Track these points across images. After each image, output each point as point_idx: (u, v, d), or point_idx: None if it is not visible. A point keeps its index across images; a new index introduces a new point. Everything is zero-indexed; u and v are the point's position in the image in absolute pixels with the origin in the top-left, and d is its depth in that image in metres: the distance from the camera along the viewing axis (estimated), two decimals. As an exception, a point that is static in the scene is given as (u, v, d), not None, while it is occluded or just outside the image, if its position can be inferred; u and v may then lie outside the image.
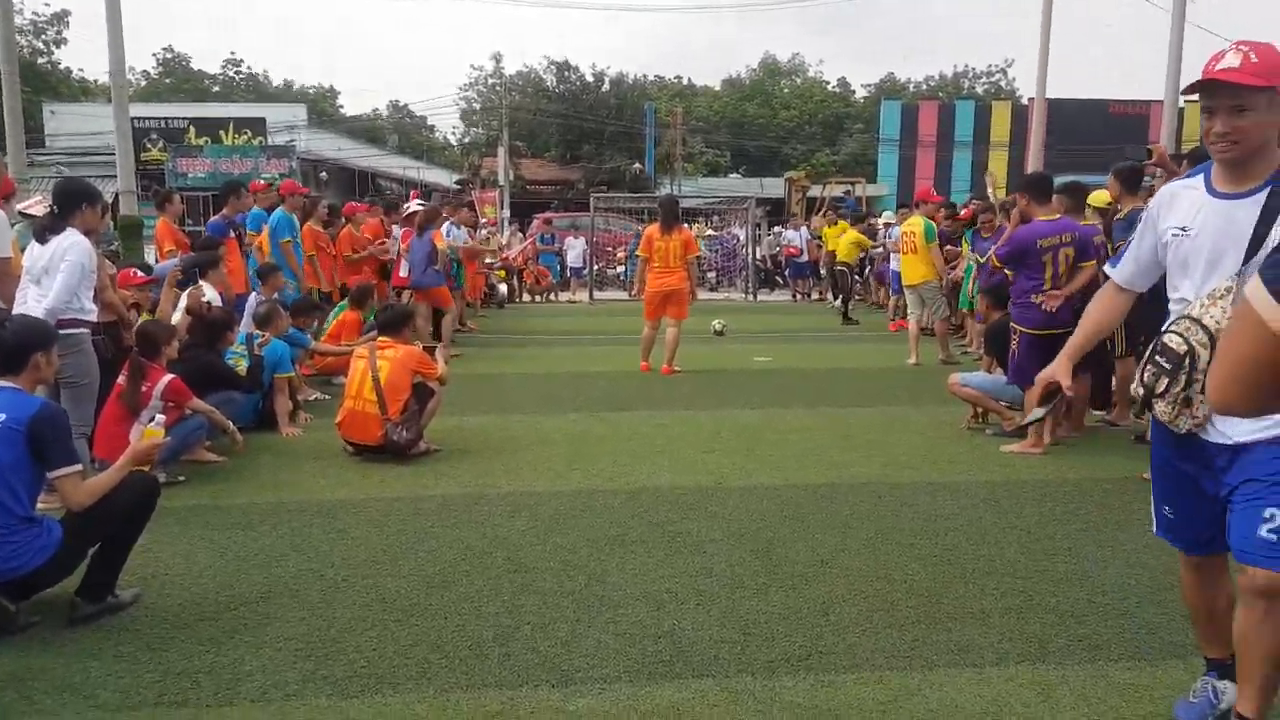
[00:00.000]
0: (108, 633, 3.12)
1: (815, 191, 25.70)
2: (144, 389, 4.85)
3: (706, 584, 3.50)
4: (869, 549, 3.89)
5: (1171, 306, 2.36)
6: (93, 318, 4.69)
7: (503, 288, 16.84)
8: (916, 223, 9.25)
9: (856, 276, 14.63)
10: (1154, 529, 2.57)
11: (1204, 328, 2.12)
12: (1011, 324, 5.64)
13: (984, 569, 3.65)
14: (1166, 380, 2.19)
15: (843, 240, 14.26)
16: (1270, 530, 2.11)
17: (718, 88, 57.45)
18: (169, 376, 4.96)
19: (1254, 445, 2.15)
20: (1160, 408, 2.24)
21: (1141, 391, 2.28)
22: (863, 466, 5.27)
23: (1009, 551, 3.85)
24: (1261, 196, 2.18)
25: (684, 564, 3.72)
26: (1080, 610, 3.24)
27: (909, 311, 9.63)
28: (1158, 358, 2.22)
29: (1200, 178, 2.33)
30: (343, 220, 9.96)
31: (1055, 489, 4.80)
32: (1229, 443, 2.19)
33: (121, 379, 4.89)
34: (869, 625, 3.13)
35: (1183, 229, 2.30)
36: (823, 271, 17.01)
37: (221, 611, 3.30)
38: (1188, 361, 2.14)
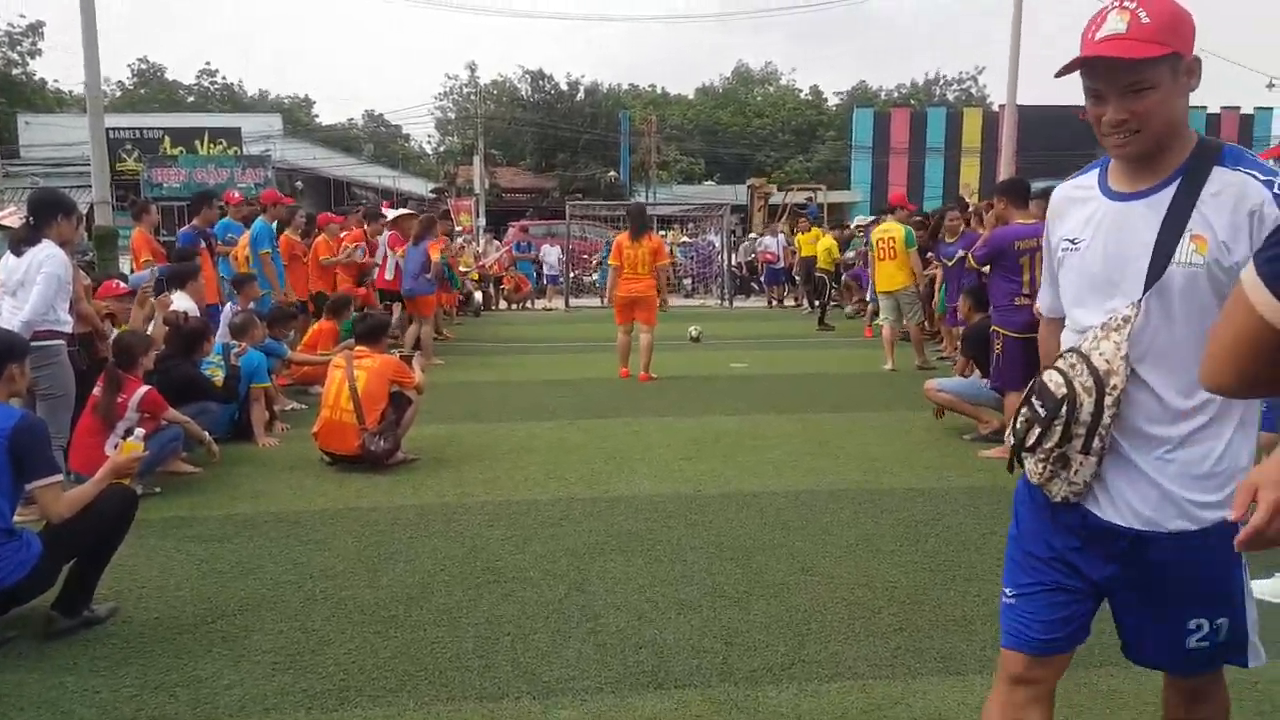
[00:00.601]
0: (84, 647, 3.09)
1: (778, 198, 25.95)
2: (120, 400, 4.81)
3: (687, 593, 3.49)
4: (850, 556, 3.90)
5: (1065, 337, 1.83)
6: (68, 329, 4.64)
7: (478, 295, 16.78)
8: (895, 229, 9.32)
9: (834, 284, 14.72)
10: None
11: (1091, 367, 1.64)
12: (993, 328, 5.69)
13: (966, 575, 3.67)
14: (1039, 430, 1.69)
15: (820, 247, 14.37)
16: (1199, 640, 1.73)
17: (691, 96, 57.79)
18: (145, 388, 4.91)
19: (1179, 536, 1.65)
20: (1030, 465, 1.76)
21: (1011, 440, 1.79)
22: (842, 473, 5.29)
23: (990, 557, 3.87)
24: (1166, 194, 1.64)
25: (664, 573, 3.71)
26: (1060, 614, 3.27)
27: (884, 317, 9.70)
28: (1033, 400, 1.72)
29: (1095, 174, 1.80)
30: (317, 230, 9.89)
31: (1032, 493, 4.84)
32: (1135, 528, 1.68)
33: (97, 390, 4.83)
34: (851, 633, 3.14)
35: (1072, 241, 1.78)
36: (797, 277, 17.11)
37: (199, 624, 3.27)
38: (1065, 409, 1.65)
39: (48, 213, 4.63)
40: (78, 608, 3.22)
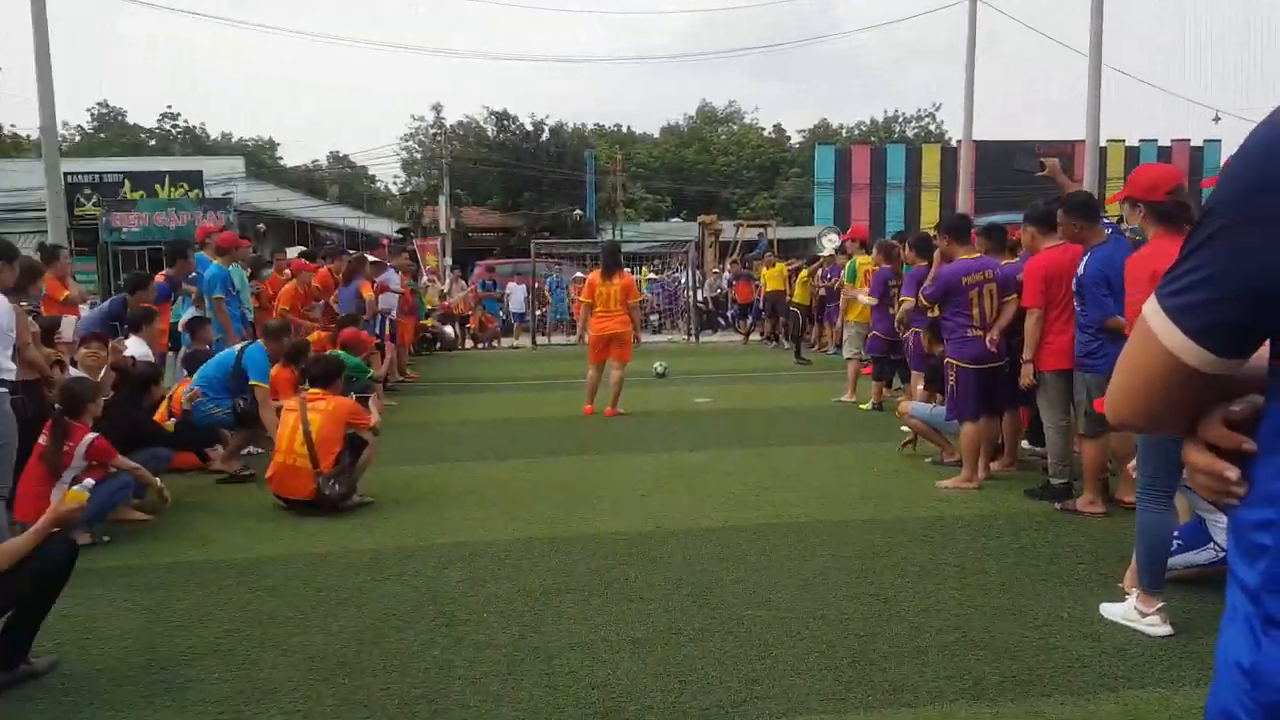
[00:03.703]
0: (20, 703, 3.01)
1: (729, 234, 26.25)
2: (67, 448, 4.71)
3: (643, 631, 3.47)
4: (806, 590, 3.91)
5: None
6: (10, 376, 4.54)
7: (448, 329, 16.75)
8: (870, 261, 9.44)
9: (809, 318, 14.77)
10: None
11: None
12: (947, 359, 5.79)
13: (919, 606, 3.69)
14: None
15: (798, 281, 14.40)
16: None
17: (657, 135, 58.63)
18: (92, 435, 4.82)
19: None
20: None
21: None
22: (801, 506, 5.32)
23: (944, 588, 3.90)
24: None
25: (620, 611, 3.69)
26: (1014, 646, 3.29)
27: (848, 348, 9.79)
28: None
29: None
30: (287, 274, 9.80)
31: (989, 524, 4.90)
32: None
33: (43, 438, 4.73)
34: (805, 667, 3.14)
35: None
36: (763, 312, 17.27)
37: (142, 674, 3.20)
38: None
39: (-13, 259, 4.56)
40: (14, 660, 3.14)
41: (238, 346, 6.52)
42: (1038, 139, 33.86)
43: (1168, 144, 35.20)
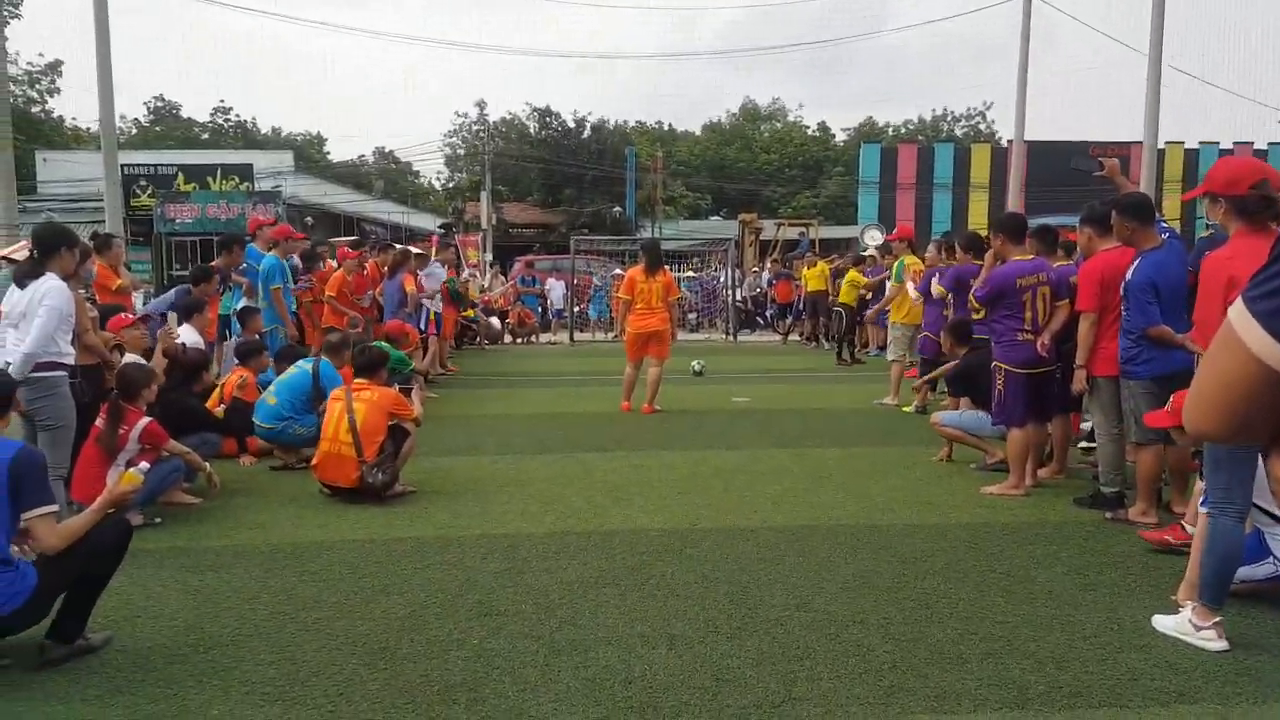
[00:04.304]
0: (76, 676, 3.10)
1: (770, 233, 25.99)
2: (122, 432, 4.84)
3: (679, 628, 3.46)
4: (846, 593, 3.87)
5: None
6: (70, 361, 4.68)
7: (495, 321, 16.93)
8: (920, 262, 9.31)
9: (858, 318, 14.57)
10: None
11: None
12: (995, 363, 5.67)
13: (963, 613, 3.62)
14: None
15: (845, 281, 14.20)
16: None
17: (698, 132, 58.39)
18: (146, 419, 4.95)
19: None
20: None
21: None
22: (840, 508, 5.26)
23: (989, 595, 3.83)
24: None
25: (657, 607, 3.68)
26: (1061, 655, 3.21)
27: (893, 349, 9.67)
28: None
29: None
30: (336, 264, 9.95)
31: (1036, 531, 4.79)
32: None
33: (99, 422, 4.86)
34: (844, 671, 3.10)
35: None
36: (803, 312, 17.11)
37: (191, 654, 3.27)
38: None
39: (51, 246, 4.70)
40: (72, 636, 3.23)
41: (309, 366, 6.57)
42: (1092, 140, 33.09)
43: (1229, 146, 34.11)
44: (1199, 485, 3.96)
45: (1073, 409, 6.16)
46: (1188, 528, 4.32)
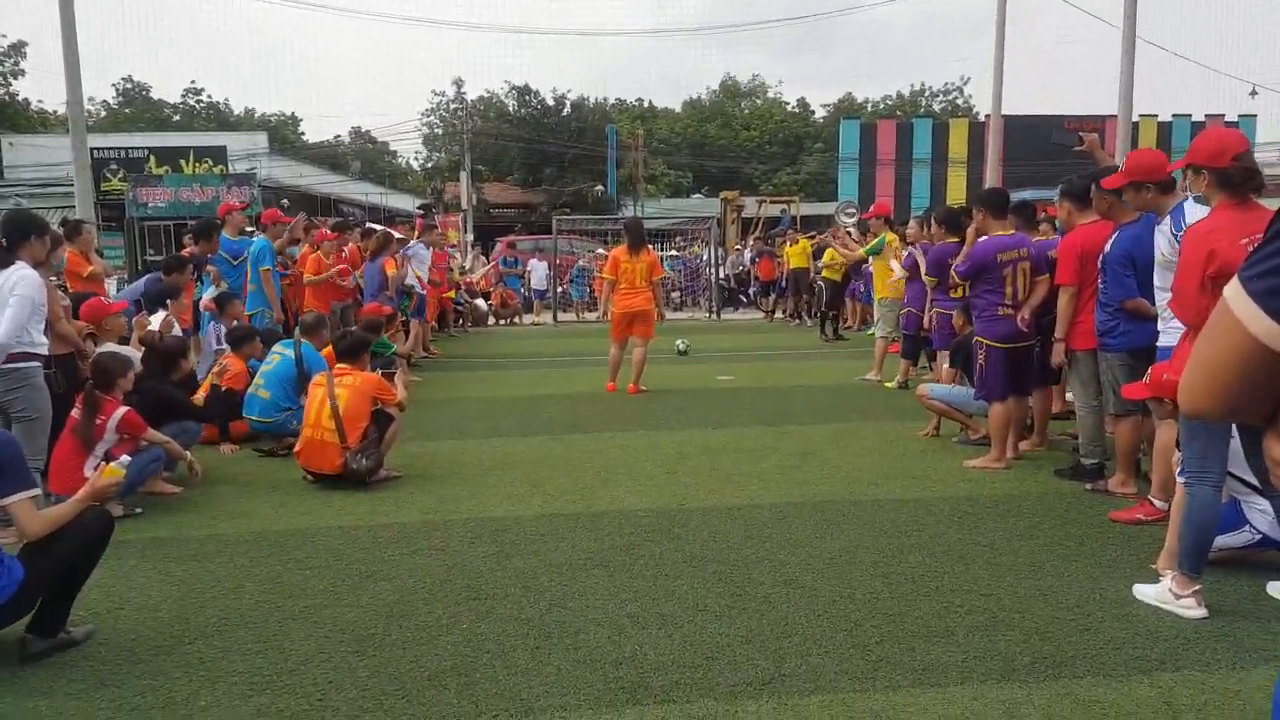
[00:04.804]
0: (60, 670, 3.07)
1: (752, 210, 25.94)
2: (99, 422, 4.77)
3: (668, 608, 3.47)
4: (833, 568, 3.89)
5: None
6: (44, 351, 4.60)
7: (481, 303, 16.86)
8: (898, 239, 9.32)
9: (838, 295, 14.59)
10: None
11: None
12: (976, 338, 5.70)
13: (949, 586, 3.66)
14: None
15: (826, 255, 14.22)
16: None
17: (678, 110, 58.03)
18: (123, 409, 4.88)
19: None
20: None
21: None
22: (826, 484, 5.29)
23: (974, 568, 3.87)
24: None
25: (646, 588, 3.69)
26: (1045, 627, 3.25)
27: (880, 326, 9.69)
28: None
29: None
30: (313, 246, 9.84)
31: (1019, 504, 4.84)
32: None
33: (75, 412, 4.79)
34: (832, 646, 3.12)
35: None
36: (786, 289, 17.14)
37: (177, 645, 3.24)
38: None
39: (20, 234, 4.60)
40: (54, 629, 3.19)
41: (290, 351, 6.55)
42: (1068, 114, 33.19)
43: (1202, 119, 34.34)
44: (1174, 458, 4.01)
45: (1052, 382, 6.22)
46: (1157, 502, 4.39)
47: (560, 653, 3.10)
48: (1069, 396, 6.87)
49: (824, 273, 13.87)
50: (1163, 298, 4.10)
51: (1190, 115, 34.82)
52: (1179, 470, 3.48)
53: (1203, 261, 3.11)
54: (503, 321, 17.99)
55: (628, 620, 3.36)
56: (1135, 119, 18.47)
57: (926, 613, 3.39)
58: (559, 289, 19.39)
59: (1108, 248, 4.70)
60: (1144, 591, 3.48)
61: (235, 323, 7.57)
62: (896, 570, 3.86)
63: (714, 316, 18.64)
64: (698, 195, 43.35)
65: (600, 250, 18.23)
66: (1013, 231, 5.71)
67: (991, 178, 21.09)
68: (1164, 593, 3.38)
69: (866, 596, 3.56)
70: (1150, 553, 3.89)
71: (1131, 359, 4.60)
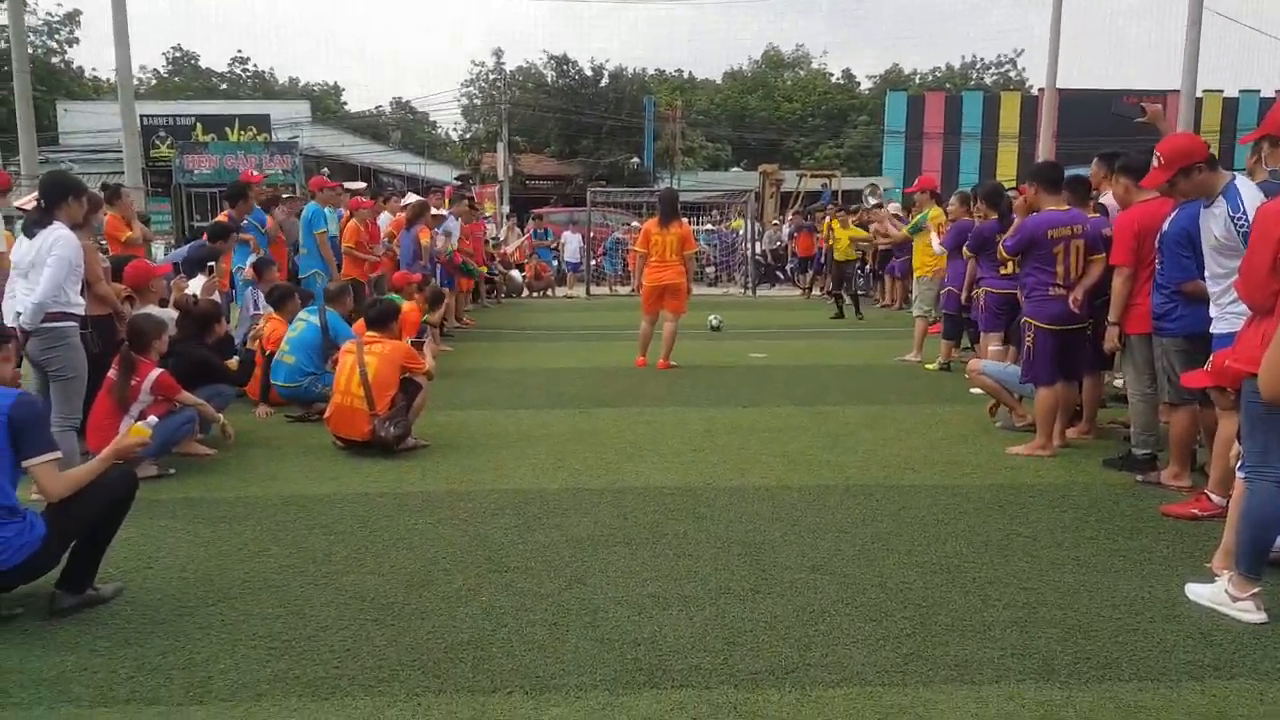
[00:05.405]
0: (86, 626, 3.10)
1: (791, 184, 25.50)
2: (134, 383, 4.83)
3: (691, 589, 3.38)
4: (864, 555, 3.77)
5: None
6: (80, 311, 4.63)
7: (516, 274, 16.87)
8: (943, 215, 9.04)
9: (859, 271, 14.46)
10: None
11: None
12: (1025, 319, 5.48)
13: (986, 579, 3.51)
14: None
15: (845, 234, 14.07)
16: None
17: (719, 81, 57.16)
18: (158, 371, 4.93)
19: None
20: None
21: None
22: (860, 468, 5.14)
23: (1014, 560, 3.71)
24: None
25: (669, 567, 3.60)
26: (1089, 625, 3.10)
27: (918, 305, 9.44)
28: None
29: None
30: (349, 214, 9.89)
31: (1064, 494, 4.65)
32: None
33: (112, 373, 4.83)
34: (861, 637, 3.01)
35: None
36: (824, 266, 16.85)
37: (200, 606, 3.25)
38: None
39: (58, 195, 4.61)
40: (81, 585, 3.23)
41: (315, 319, 6.56)
42: (1127, 88, 32.07)
43: (1271, 95, 32.93)
44: (1233, 451, 3.81)
45: (1104, 367, 5.97)
46: (1214, 498, 4.18)
47: (579, 630, 3.03)
48: (1117, 383, 6.62)
49: (835, 253, 13.75)
50: (1216, 284, 3.94)
51: (1259, 91, 33.38)
52: (1238, 464, 3.29)
53: (1276, 241, 2.90)
54: (536, 294, 17.96)
55: (649, 600, 3.28)
56: (1199, 94, 17.74)
57: (962, 605, 3.26)
58: (592, 262, 19.28)
59: (1166, 225, 4.47)
60: (1197, 592, 3.30)
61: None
62: (931, 559, 3.72)
63: (749, 292, 18.39)
64: (736, 168, 42.80)
65: (634, 223, 18.06)
66: (1066, 208, 5.46)
67: (1044, 153, 20.49)
68: (1219, 594, 3.20)
69: (898, 586, 3.43)
70: (1205, 551, 3.70)
71: (1189, 344, 4.38)
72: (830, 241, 14.50)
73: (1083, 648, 2.94)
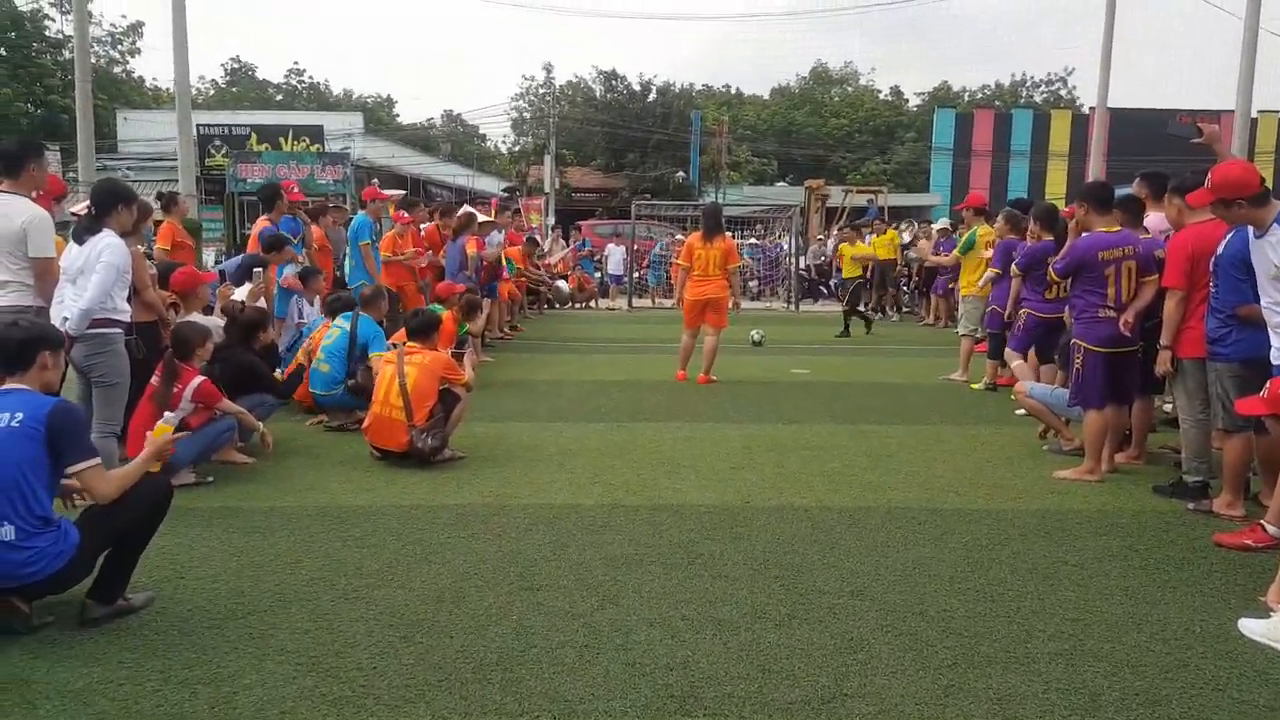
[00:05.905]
0: (115, 636, 3.10)
1: (837, 199, 25.25)
2: (176, 390, 4.88)
3: (726, 612, 3.31)
4: (904, 581, 3.66)
5: None
6: (126, 318, 4.71)
7: (562, 285, 16.97)
8: (992, 233, 8.87)
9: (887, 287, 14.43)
10: None
11: None
12: (1074, 340, 5.32)
13: (1031, 608, 3.39)
14: None
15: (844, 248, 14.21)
16: None
17: (766, 96, 57.08)
18: (199, 378, 4.98)
19: None
20: None
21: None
22: (902, 490, 5.02)
23: (1060, 589, 3.58)
24: None
25: (703, 589, 3.53)
26: (1137, 659, 2.97)
27: (963, 324, 9.25)
28: None
29: None
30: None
31: (1112, 521, 4.49)
32: None
33: (155, 380, 4.90)
34: (900, 666, 2.91)
35: None
36: (870, 282, 16.65)
37: (229, 619, 3.24)
38: None
39: (109, 202, 4.70)
40: (113, 596, 3.23)
41: (346, 324, 6.60)
42: (1180, 108, 31.26)
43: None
44: None
45: (1155, 391, 5.77)
46: (1269, 528, 3.99)
47: (609, 653, 2.98)
48: (1167, 407, 6.39)
49: (844, 270, 13.69)
50: (1274, 315, 3.81)
51: (1322, 107, 32.30)
52: None
53: None
54: (579, 305, 18.03)
55: (682, 623, 3.21)
56: (1254, 115, 17.24)
57: (1005, 636, 3.14)
58: (636, 274, 19.30)
59: (1220, 249, 4.32)
60: (1251, 627, 3.14)
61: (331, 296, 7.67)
62: (974, 587, 3.60)
63: (792, 307, 18.23)
64: (782, 183, 42.61)
65: (678, 236, 18.05)
66: (1118, 229, 5.29)
67: (1095, 172, 20.04)
68: (1275, 630, 3.05)
69: (940, 614, 3.32)
70: (1259, 584, 3.53)
71: (1244, 370, 4.22)
72: (839, 261, 14.57)
73: (1130, 683, 2.81)
